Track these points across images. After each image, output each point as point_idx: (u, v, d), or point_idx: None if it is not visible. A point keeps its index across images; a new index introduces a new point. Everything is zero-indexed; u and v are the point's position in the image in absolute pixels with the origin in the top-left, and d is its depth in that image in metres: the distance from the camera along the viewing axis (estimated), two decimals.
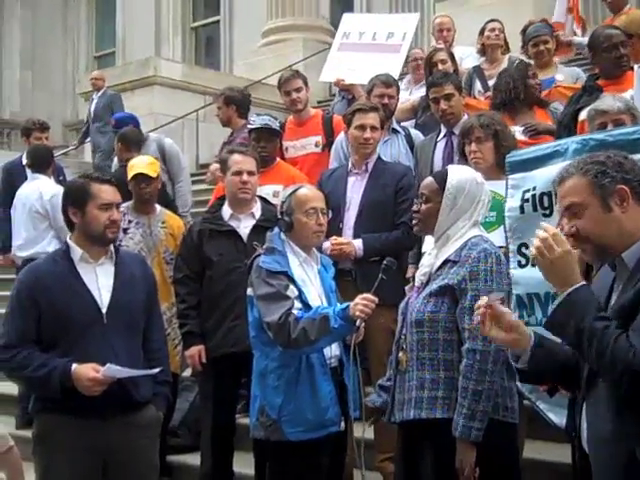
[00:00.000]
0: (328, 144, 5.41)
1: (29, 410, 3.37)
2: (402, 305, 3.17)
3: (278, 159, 5.22)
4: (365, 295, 3.12)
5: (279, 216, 3.47)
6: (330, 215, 3.55)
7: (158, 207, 4.96)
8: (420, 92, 6.09)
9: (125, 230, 4.64)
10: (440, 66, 5.67)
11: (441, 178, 3.08)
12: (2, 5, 18.63)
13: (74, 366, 3.07)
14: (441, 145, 4.75)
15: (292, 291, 3.27)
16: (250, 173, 4.28)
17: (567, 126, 4.38)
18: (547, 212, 3.44)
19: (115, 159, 7.12)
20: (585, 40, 5.97)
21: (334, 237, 4.24)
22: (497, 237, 3.52)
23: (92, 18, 19.35)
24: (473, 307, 2.84)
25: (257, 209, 4.35)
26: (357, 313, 3.08)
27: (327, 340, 3.22)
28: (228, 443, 4.32)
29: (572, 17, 7.20)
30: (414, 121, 5.81)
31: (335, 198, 4.17)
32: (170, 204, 5.57)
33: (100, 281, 3.24)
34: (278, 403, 3.30)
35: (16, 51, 18.45)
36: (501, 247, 3.33)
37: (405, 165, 4.80)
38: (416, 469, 2.98)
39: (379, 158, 4.59)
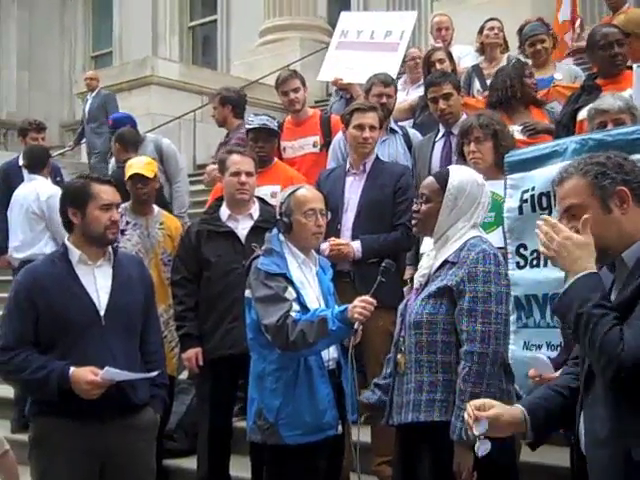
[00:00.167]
0: (326, 144, 5.39)
1: (26, 413, 3.35)
2: (401, 307, 3.16)
3: (276, 159, 5.20)
4: (364, 297, 3.11)
5: (278, 217, 3.45)
6: (329, 217, 3.53)
7: (156, 208, 4.93)
8: (417, 92, 6.08)
9: (122, 231, 4.61)
10: (438, 65, 5.66)
11: (442, 178, 3.06)
12: None
13: (72, 369, 3.06)
14: (439, 145, 4.73)
15: (290, 293, 3.25)
16: (248, 174, 4.26)
17: (566, 125, 4.37)
18: (546, 213, 3.41)
19: (112, 160, 7.10)
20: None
21: (332, 238, 4.22)
22: (496, 238, 3.50)
23: (89, 18, 19.32)
24: (471, 308, 2.86)
25: (255, 210, 4.33)
26: (355, 315, 3.07)
27: (325, 342, 3.20)
28: (225, 446, 4.30)
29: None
30: (412, 121, 5.79)
31: (333, 198, 4.15)
32: (166, 206, 5.54)
33: (98, 283, 3.23)
34: (276, 406, 3.29)
35: (13, 51, 18.41)
36: (500, 248, 3.31)
37: (403, 165, 4.78)
38: (414, 472, 2.96)
39: (377, 158, 4.57)
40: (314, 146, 5.56)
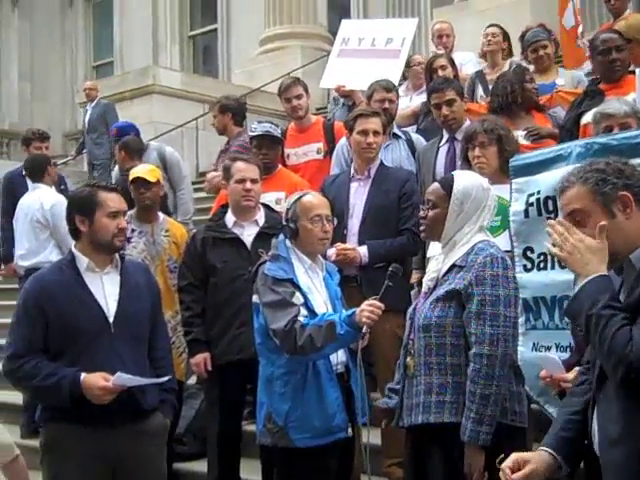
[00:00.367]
0: (330, 151, 5.40)
1: (36, 419, 3.36)
2: (410, 310, 3.17)
3: (280, 166, 5.22)
4: (371, 301, 3.13)
5: (284, 223, 3.47)
6: (335, 222, 3.55)
7: (161, 215, 4.95)
8: (420, 98, 6.10)
9: (128, 239, 4.61)
10: (440, 72, 5.67)
11: (447, 184, 3.09)
12: (0, 16, 18.64)
13: (83, 375, 3.07)
14: (443, 150, 4.75)
15: (298, 298, 3.27)
16: (253, 181, 4.28)
17: (569, 130, 4.39)
18: (552, 216, 3.43)
19: (116, 168, 7.12)
20: None
21: (338, 243, 4.24)
22: (502, 241, 3.52)
23: (90, 28, 19.34)
24: (480, 311, 2.88)
25: (260, 216, 4.35)
26: (364, 319, 3.08)
27: (333, 347, 3.22)
28: (235, 450, 4.31)
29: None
30: (415, 127, 5.81)
31: (338, 204, 4.16)
32: (169, 215, 5.55)
33: (106, 290, 3.25)
34: (285, 410, 3.30)
35: (14, 62, 18.44)
36: (507, 251, 3.33)
37: (408, 170, 4.80)
38: (425, 473, 2.97)
39: (381, 163, 4.59)
40: (318, 153, 5.57)
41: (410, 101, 6.34)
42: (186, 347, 4.46)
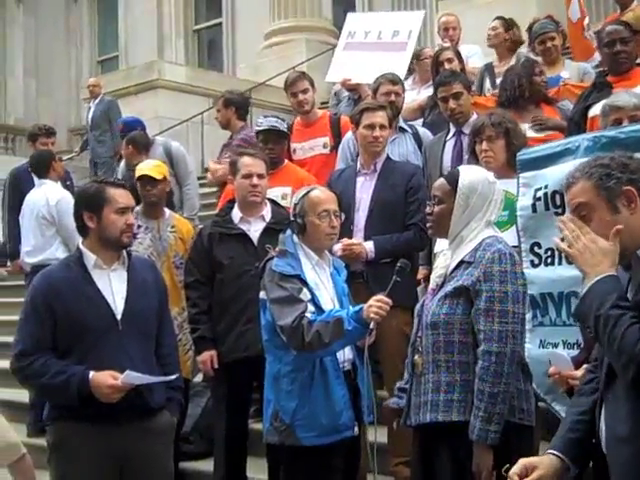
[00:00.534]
0: (336, 145, 5.38)
1: (44, 418, 3.35)
2: (418, 307, 3.15)
3: (286, 161, 5.20)
4: (379, 297, 3.10)
5: (292, 218, 3.45)
6: (343, 218, 3.53)
7: (167, 211, 4.94)
8: (429, 92, 6.06)
9: (134, 235, 4.61)
10: (447, 65, 5.64)
11: (453, 179, 3.06)
12: (4, 12, 18.61)
13: (92, 373, 3.07)
14: (450, 144, 4.73)
15: (305, 294, 3.25)
16: (260, 176, 4.26)
17: (577, 123, 4.36)
18: (559, 210, 3.41)
19: (122, 164, 7.12)
20: None
21: (345, 239, 4.22)
22: (510, 236, 3.49)
23: (94, 23, 19.32)
24: (488, 308, 2.86)
25: (267, 212, 4.33)
26: (371, 315, 3.06)
27: (341, 343, 3.20)
28: (242, 448, 4.31)
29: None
30: (421, 120, 5.78)
31: (345, 199, 4.12)
32: (174, 211, 5.54)
33: (114, 287, 3.24)
34: (292, 407, 3.29)
35: (19, 58, 18.43)
36: (514, 246, 3.31)
37: (414, 164, 4.77)
38: (433, 472, 2.96)
39: (388, 157, 4.56)
40: (324, 147, 5.55)
41: (418, 94, 6.30)
42: (192, 344, 4.46)
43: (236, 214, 4.33)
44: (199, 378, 4.98)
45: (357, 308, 3.15)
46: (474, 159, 3.96)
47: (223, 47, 16.80)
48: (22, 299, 3.43)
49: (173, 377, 3.27)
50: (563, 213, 3.34)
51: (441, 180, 3.14)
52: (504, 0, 9.47)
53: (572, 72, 5.75)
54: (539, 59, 5.63)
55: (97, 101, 10.19)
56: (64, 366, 3.11)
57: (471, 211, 3.01)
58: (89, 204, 3.26)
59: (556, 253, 3.40)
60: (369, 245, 4.27)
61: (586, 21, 6.51)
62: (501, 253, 2.91)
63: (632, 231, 2.19)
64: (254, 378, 4.10)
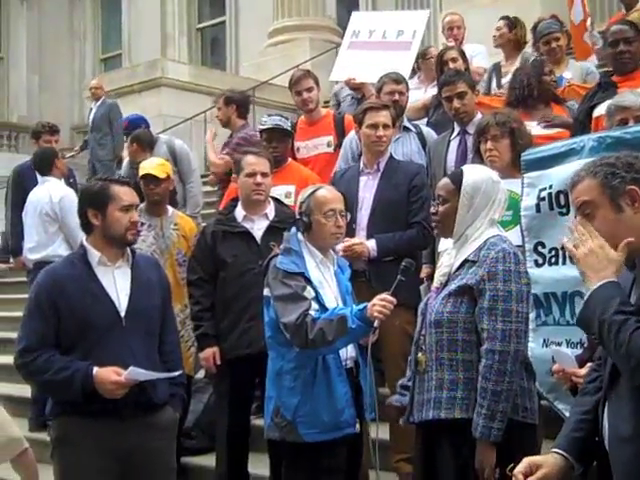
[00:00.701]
0: (340, 144, 5.37)
1: (47, 413, 3.35)
2: (421, 305, 3.16)
3: (290, 159, 5.19)
4: (383, 296, 3.11)
5: (297, 216, 3.46)
6: (348, 217, 3.53)
7: (170, 209, 4.95)
8: (435, 90, 6.04)
9: (138, 232, 4.62)
10: (451, 64, 5.63)
11: (457, 178, 3.07)
12: (8, 8, 18.62)
13: (95, 369, 3.07)
14: (454, 144, 4.73)
15: (309, 292, 3.25)
16: (264, 174, 4.26)
17: (582, 122, 4.35)
18: (564, 211, 3.41)
19: (125, 161, 7.12)
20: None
21: (346, 238, 4.21)
22: (514, 236, 3.49)
23: (98, 21, 19.33)
24: (492, 307, 2.86)
25: (271, 210, 4.33)
26: (375, 314, 3.07)
27: (344, 341, 3.20)
28: (243, 444, 4.31)
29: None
30: (425, 120, 5.78)
31: (347, 198, 4.13)
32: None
33: (118, 284, 3.24)
34: (294, 404, 3.30)
35: (22, 55, 18.43)
36: (518, 246, 3.31)
37: (418, 164, 4.76)
38: (435, 469, 2.96)
39: (391, 157, 4.56)
40: (328, 146, 5.55)
41: (425, 93, 6.29)
42: (194, 341, 4.46)
43: (239, 212, 4.33)
44: (201, 374, 4.98)
45: (361, 306, 3.15)
46: (479, 158, 3.95)
47: (226, 45, 16.79)
48: (23, 295, 3.44)
49: (176, 373, 3.27)
50: (567, 213, 3.35)
51: (445, 180, 3.14)
52: (507, 0, 9.47)
53: (575, 72, 5.76)
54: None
55: (99, 103, 10.10)
56: (68, 362, 3.11)
57: (475, 210, 3.02)
58: (93, 201, 3.27)
59: (560, 253, 3.40)
60: (371, 243, 4.26)
61: (589, 22, 6.51)
62: (505, 252, 2.91)
63: (635, 230, 2.18)
64: (256, 375, 4.10)
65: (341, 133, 5.48)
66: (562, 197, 3.44)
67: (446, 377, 2.91)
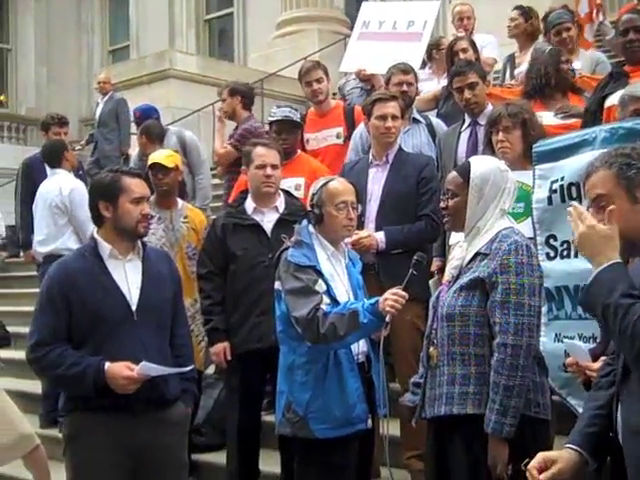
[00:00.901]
0: (350, 135, 5.34)
1: (59, 409, 3.35)
2: (433, 299, 3.13)
3: (299, 151, 5.17)
4: (395, 290, 3.09)
5: (309, 208, 3.44)
6: (360, 210, 3.51)
7: (180, 201, 4.92)
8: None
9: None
10: (462, 55, 5.59)
11: (465, 171, 3.04)
12: (16, 1, 18.61)
13: (107, 364, 3.06)
14: (465, 135, 4.69)
15: (321, 286, 3.23)
16: (274, 167, 4.23)
17: (593, 113, 4.31)
18: (576, 203, 3.38)
19: (134, 153, 7.12)
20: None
21: (355, 231, 4.19)
22: (526, 228, 3.47)
23: (106, 12, 19.32)
24: (504, 300, 2.83)
25: (281, 203, 4.30)
26: (387, 308, 3.05)
27: (356, 335, 3.18)
28: (254, 440, 4.28)
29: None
30: (435, 111, 5.74)
31: (357, 190, 4.12)
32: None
33: (129, 278, 3.22)
34: (305, 399, 3.28)
35: (31, 47, 18.44)
36: (530, 239, 3.28)
37: (427, 155, 4.73)
38: (447, 465, 2.94)
39: (400, 149, 4.52)
40: (338, 137, 5.53)
41: (438, 84, 6.25)
42: (205, 336, 4.44)
43: (249, 205, 4.31)
44: (211, 370, 4.96)
45: (372, 301, 3.14)
46: (490, 150, 3.92)
47: (234, 37, 16.76)
48: (31, 290, 3.42)
49: (188, 369, 3.26)
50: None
51: (453, 173, 3.11)
52: None
53: (585, 62, 5.72)
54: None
55: (106, 98, 10.00)
56: (80, 357, 3.10)
57: (485, 201, 2.99)
58: (105, 193, 3.25)
59: (572, 246, 3.37)
60: (380, 235, 4.23)
61: (594, 14, 6.46)
62: (517, 245, 2.88)
63: None
64: (267, 370, 4.09)
65: (351, 124, 5.45)
66: (574, 189, 3.42)
67: (458, 372, 2.89)
